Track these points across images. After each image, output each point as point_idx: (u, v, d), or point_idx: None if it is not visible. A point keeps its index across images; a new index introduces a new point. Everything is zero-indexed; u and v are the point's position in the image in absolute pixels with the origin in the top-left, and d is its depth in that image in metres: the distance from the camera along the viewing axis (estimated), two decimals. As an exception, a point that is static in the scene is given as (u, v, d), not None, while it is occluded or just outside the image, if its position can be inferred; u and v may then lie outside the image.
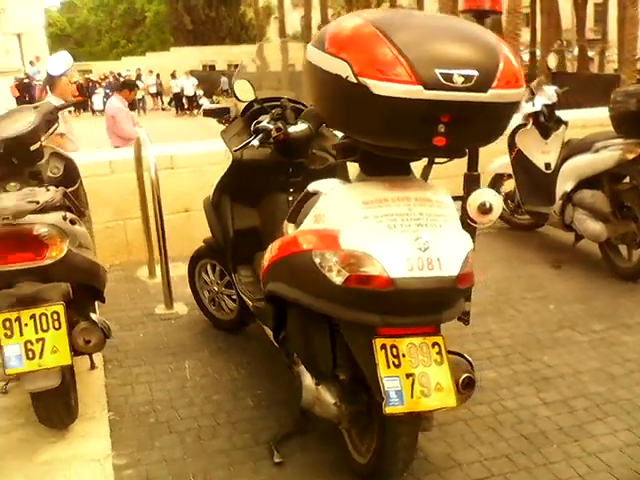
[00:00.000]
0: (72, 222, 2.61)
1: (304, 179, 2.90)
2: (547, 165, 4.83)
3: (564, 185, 4.60)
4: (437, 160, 2.24)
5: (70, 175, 3.41)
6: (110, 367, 3.19)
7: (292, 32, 40.72)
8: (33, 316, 2.35)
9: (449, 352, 2.22)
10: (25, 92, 25.50)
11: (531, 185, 4.97)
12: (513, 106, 1.99)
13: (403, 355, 2.00)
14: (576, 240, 4.60)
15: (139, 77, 32.31)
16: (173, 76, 30.30)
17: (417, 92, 1.81)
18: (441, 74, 1.81)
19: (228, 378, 3.08)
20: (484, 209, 2.23)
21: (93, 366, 3.12)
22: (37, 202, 2.33)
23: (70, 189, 3.34)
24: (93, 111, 26.97)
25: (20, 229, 2.32)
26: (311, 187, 2.31)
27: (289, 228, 2.38)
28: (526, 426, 2.68)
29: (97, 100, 26.80)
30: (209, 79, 32.22)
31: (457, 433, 2.65)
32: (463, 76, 1.83)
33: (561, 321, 3.66)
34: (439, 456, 2.50)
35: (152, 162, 3.79)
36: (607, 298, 3.95)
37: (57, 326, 2.36)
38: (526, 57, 25.89)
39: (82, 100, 30.62)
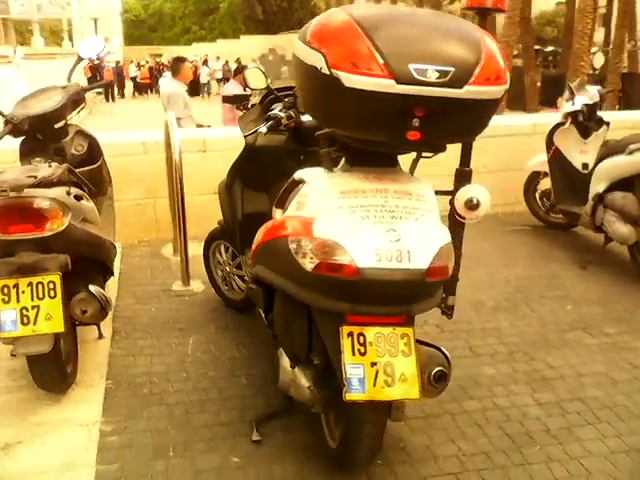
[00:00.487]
0: (78, 197, 2.71)
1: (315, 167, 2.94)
2: (584, 165, 4.71)
3: (597, 186, 4.48)
4: (424, 154, 2.24)
5: (93, 153, 3.54)
6: (117, 338, 3.30)
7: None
8: (30, 284, 2.45)
9: (427, 344, 2.23)
10: (96, 72, 26.44)
11: (566, 185, 4.86)
12: (493, 103, 1.96)
13: (370, 344, 2.00)
14: (606, 242, 4.47)
15: (205, 62, 32.84)
16: (238, 63, 30.64)
17: (389, 86, 1.81)
18: (415, 69, 1.81)
19: (228, 356, 3.15)
20: (471, 205, 2.21)
21: (101, 336, 3.24)
22: (35, 177, 2.43)
23: (92, 166, 3.49)
24: (157, 92, 27.58)
25: (22, 201, 2.43)
26: (297, 175, 2.34)
27: (277, 214, 2.41)
28: (513, 425, 2.64)
29: (163, 82, 27.35)
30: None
31: (441, 426, 2.64)
32: (438, 71, 1.82)
33: (575, 322, 3.57)
34: (418, 447, 2.50)
35: (177, 145, 3.87)
36: (628, 303, 3.83)
37: (52, 295, 2.46)
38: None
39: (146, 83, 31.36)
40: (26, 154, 3.31)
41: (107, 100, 29.64)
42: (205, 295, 3.86)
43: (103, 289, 3.01)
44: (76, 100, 3.42)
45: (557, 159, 4.88)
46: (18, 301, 2.44)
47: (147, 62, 36.55)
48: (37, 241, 2.47)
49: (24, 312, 2.44)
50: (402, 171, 2.24)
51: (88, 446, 2.44)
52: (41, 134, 3.28)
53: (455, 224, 2.33)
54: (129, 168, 4.73)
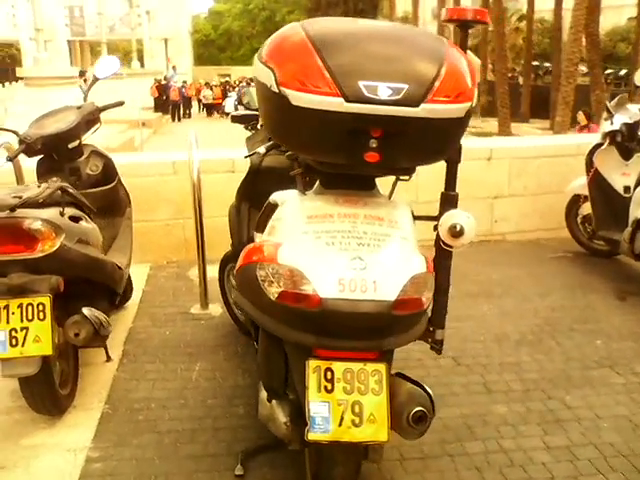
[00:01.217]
0: (74, 218, 2.72)
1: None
2: (626, 189, 4.47)
3: (636, 211, 4.24)
4: (402, 177, 2.14)
5: (108, 173, 3.57)
6: (125, 361, 3.29)
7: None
8: (20, 305, 2.45)
9: (411, 381, 2.10)
10: (162, 93, 27.20)
11: (607, 209, 4.64)
12: (456, 122, 1.85)
13: (338, 380, 1.90)
14: (647, 272, 4.22)
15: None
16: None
17: (337, 104, 1.73)
18: (365, 87, 1.72)
19: (231, 384, 3.09)
20: (454, 232, 2.09)
21: (109, 359, 3.23)
22: (20, 197, 2.44)
23: (107, 187, 3.52)
24: (224, 113, 28.13)
25: (12, 222, 2.43)
26: (272, 197, 2.27)
27: (257, 237, 2.35)
28: (515, 471, 2.47)
29: (229, 103, 27.97)
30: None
31: (438, 468, 2.49)
32: (390, 89, 1.72)
33: (602, 359, 3.35)
34: (409, 490, 2.37)
35: (195, 166, 3.87)
36: (665, 339, 3.58)
37: (42, 317, 2.46)
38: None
39: (218, 103, 31.98)
40: (43, 174, 3.37)
41: (173, 120, 30.42)
42: (221, 319, 3.82)
43: (108, 311, 3.02)
44: (91, 120, 3.46)
45: (597, 181, 4.66)
46: (8, 322, 2.44)
47: (220, 82, 37.41)
48: (28, 262, 2.47)
49: (13, 333, 2.44)
50: (379, 195, 2.14)
51: (71, 472, 2.41)
52: (56, 154, 3.33)
53: (441, 252, 2.21)
54: (159, 188, 4.77)
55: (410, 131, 1.81)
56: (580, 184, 4.94)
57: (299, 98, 1.76)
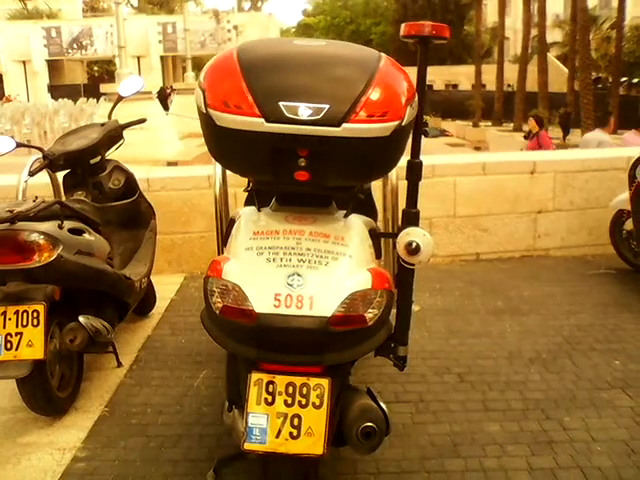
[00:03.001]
0: (75, 231, 2.87)
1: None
2: (670, 204, 4.27)
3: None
4: (359, 195, 2.15)
5: (130, 187, 3.73)
6: (134, 367, 3.42)
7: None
8: (17, 312, 2.63)
9: (372, 397, 2.10)
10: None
11: (650, 224, 4.43)
12: (382, 141, 1.84)
13: (280, 393, 1.93)
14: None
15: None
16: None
17: (258, 125, 1.78)
18: (285, 107, 1.75)
19: (229, 392, 3.16)
20: (409, 249, 2.08)
21: (119, 364, 3.38)
22: (12, 211, 2.61)
23: (128, 200, 3.68)
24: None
25: (11, 234, 2.61)
26: (233, 212, 2.33)
27: (225, 252, 2.41)
28: (488, 491, 2.42)
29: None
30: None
31: (411, 484, 2.47)
32: (310, 109, 1.75)
33: (615, 380, 3.21)
34: (374, 505, 2.36)
35: (218, 179, 3.98)
36: (689, 363, 3.39)
37: (35, 323, 2.62)
38: None
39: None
40: (69, 188, 3.58)
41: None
42: (238, 328, 3.90)
43: (114, 320, 3.16)
44: (113, 137, 3.63)
45: (639, 196, 4.47)
46: (4, 327, 2.62)
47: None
48: (25, 272, 2.64)
49: (8, 338, 2.61)
50: (333, 212, 2.17)
51: (55, 470, 2.54)
52: (79, 169, 3.52)
53: (402, 269, 2.20)
54: (195, 201, 4.95)
55: (335, 150, 1.83)
56: (624, 199, 4.75)
57: (223, 119, 1.83)
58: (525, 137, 9.05)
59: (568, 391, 3.12)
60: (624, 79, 28.37)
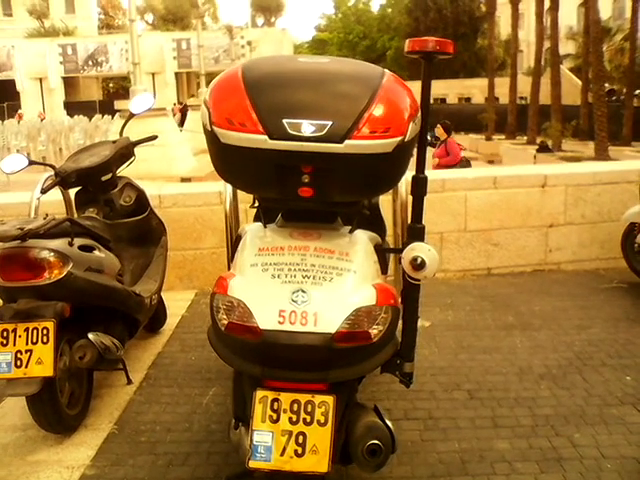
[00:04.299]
0: (85, 248, 2.89)
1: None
2: (681, 217, 4.24)
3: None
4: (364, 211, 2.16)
5: (141, 204, 3.76)
6: (144, 385, 3.42)
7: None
8: (27, 329, 2.65)
9: (378, 414, 2.10)
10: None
11: (662, 238, 4.40)
12: (384, 157, 1.85)
13: (285, 410, 1.93)
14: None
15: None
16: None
17: (261, 142, 1.79)
18: (288, 124, 1.77)
19: (238, 409, 3.16)
20: (414, 265, 2.08)
21: (129, 382, 3.38)
22: (22, 229, 2.63)
23: (139, 217, 3.71)
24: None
25: (21, 251, 2.64)
26: (240, 229, 2.34)
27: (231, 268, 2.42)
28: (496, 510, 2.40)
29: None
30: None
31: (418, 503, 2.46)
32: (313, 125, 1.76)
33: (627, 396, 3.18)
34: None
35: (228, 195, 4.00)
36: (703, 379, 3.35)
37: (45, 340, 2.64)
38: None
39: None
40: (80, 205, 3.61)
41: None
42: (248, 345, 3.90)
43: (124, 337, 3.17)
44: (125, 154, 3.66)
45: (651, 210, 4.45)
46: (15, 344, 2.64)
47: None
48: (35, 289, 2.66)
49: (18, 355, 2.63)
50: (339, 227, 2.17)
51: (63, 488, 2.56)
52: (90, 186, 3.55)
53: (408, 285, 2.19)
54: (206, 217, 4.97)
55: (338, 166, 1.84)
56: (636, 212, 4.74)
57: (228, 136, 1.85)
58: (432, 145, 8.90)
59: (578, 407, 3.09)
60: (638, 91, 28.19)
